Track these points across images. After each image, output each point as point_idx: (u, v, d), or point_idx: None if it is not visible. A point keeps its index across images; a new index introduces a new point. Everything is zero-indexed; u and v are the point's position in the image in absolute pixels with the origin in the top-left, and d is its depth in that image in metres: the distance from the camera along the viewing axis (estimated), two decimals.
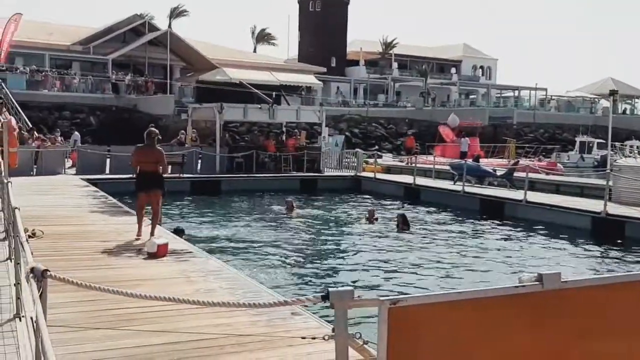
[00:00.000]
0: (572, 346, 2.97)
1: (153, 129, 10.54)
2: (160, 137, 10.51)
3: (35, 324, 3.46)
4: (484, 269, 11.65)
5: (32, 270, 3.46)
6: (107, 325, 5.36)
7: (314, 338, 3.49)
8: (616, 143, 38.22)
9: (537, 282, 2.87)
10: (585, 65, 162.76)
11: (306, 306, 6.06)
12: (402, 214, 16.03)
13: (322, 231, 15.73)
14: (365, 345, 2.99)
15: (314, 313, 6.11)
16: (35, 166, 20.65)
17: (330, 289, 2.89)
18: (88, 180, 19.13)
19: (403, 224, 15.27)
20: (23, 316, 5.26)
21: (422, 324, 2.65)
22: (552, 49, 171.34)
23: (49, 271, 3.44)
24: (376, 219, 16.24)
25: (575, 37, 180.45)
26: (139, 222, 10.15)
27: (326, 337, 3.09)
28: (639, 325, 3.12)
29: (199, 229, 14.65)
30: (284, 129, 29.47)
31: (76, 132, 30.22)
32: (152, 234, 9.83)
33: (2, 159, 9.69)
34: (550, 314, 2.91)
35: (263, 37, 71.53)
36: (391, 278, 10.79)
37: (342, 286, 4.40)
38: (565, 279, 2.93)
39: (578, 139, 41.54)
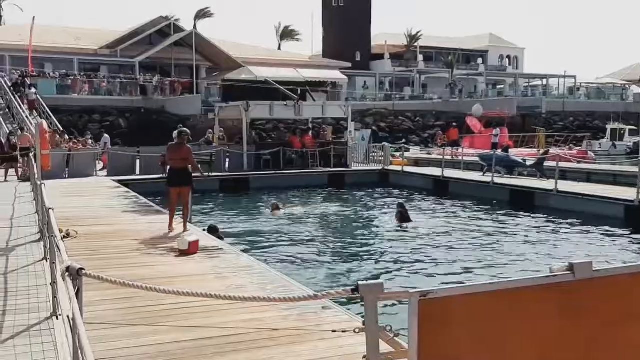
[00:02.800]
0: (603, 335, 2.94)
1: (184, 128, 11.22)
2: (191, 138, 11.00)
3: (72, 322, 3.54)
4: (514, 260, 11.55)
5: (68, 268, 3.52)
6: (142, 321, 5.46)
7: (344, 331, 3.51)
8: None
9: (568, 272, 2.84)
10: (615, 50, 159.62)
11: (340, 300, 6.08)
12: (400, 210, 15.73)
13: (351, 226, 15.73)
14: (396, 338, 2.99)
15: (345, 308, 6.13)
16: (67, 169, 21.01)
17: (360, 282, 2.90)
18: (119, 181, 19.40)
19: (402, 220, 15.15)
20: (60, 315, 5.37)
21: (453, 315, 2.65)
22: (580, 35, 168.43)
23: (85, 269, 3.51)
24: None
25: (604, 21, 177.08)
26: (171, 217, 10.70)
27: (357, 330, 3.10)
28: None
29: (229, 226, 14.77)
30: (310, 125, 29.50)
31: (106, 135, 30.52)
32: (184, 228, 10.32)
33: (35, 161, 9.92)
34: (581, 304, 2.88)
35: (287, 34, 71.62)
36: (421, 270, 10.76)
37: (372, 280, 4.41)
38: (596, 268, 2.90)
39: (609, 127, 40.77)
